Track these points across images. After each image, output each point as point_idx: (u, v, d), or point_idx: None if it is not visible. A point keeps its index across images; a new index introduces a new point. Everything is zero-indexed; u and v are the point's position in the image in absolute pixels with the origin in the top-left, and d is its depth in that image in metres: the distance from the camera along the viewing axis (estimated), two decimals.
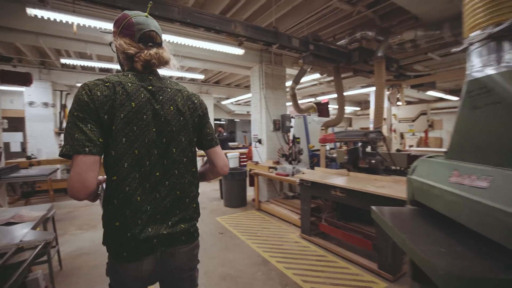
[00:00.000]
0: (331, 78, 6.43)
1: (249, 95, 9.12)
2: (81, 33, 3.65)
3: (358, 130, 4.93)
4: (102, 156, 0.90)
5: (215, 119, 9.37)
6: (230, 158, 6.97)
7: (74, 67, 6.92)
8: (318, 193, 3.25)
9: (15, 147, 7.47)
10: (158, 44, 1.05)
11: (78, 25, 3.19)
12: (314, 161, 4.96)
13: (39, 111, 6.50)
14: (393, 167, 3.40)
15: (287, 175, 4.01)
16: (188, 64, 5.48)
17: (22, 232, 1.46)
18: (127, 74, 0.97)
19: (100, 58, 7.08)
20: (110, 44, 1.08)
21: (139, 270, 0.93)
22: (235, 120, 12.29)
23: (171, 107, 1.01)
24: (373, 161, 3.19)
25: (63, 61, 4.94)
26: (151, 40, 1.01)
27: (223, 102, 10.17)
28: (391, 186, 2.58)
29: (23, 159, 5.62)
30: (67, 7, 3.18)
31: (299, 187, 3.50)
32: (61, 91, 7.27)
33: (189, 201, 1.05)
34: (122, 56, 1.02)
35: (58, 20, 3.10)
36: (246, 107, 11.02)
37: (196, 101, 1.12)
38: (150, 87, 0.98)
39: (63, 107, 7.12)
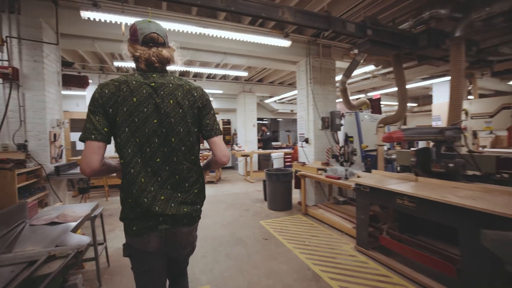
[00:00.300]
0: (388, 69, 5.73)
1: (293, 92, 8.79)
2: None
3: (430, 126, 4.23)
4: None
5: (258, 119, 9.23)
6: (275, 158, 6.70)
7: (127, 70, 7.36)
8: (378, 201, 2.78)
9: (80, 146, 8.28)
10: (160, 44, 1.16)
11: (126, 25, 3.23)
12: (368, 163, 4.40)
13: None
14: (474, 173, 2.75)
15: (339, 178, 3.58)
16: (231, 61, 5.35)
17: (61, 235, 1.37)
18: (134, 74, 1.13)
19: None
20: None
21: (146, 244, 1.10)
22: (278, 119, 11.98)
23: (171, 101, 1.12)
24: (451, 165, 2.60)
25: (116, 63, 5.20)
26: (152, 41, 1.14)
27: (266, 101, 9.96)
28: (484, 198, 2.02)
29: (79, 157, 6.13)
30: (116, 8, 3.25)
31: (355, 192, 3.06)
32: None
33: (188, 186, 1.18)
34: (132, 59, 1.17)
35: (108, 21, 3.17)
36: (289, 106, 10.64)
37: (196, 94, 1.19)
38: (153, 84, 1.11)
39: None
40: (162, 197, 1.12)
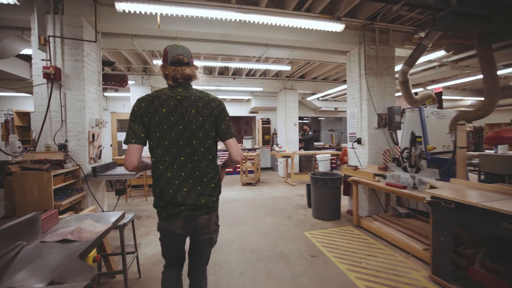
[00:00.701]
0: (461, 55, 4.77)
1: (338, 88, 8.03)
2: (166, 29, 3.55)
3: None
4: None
5: (299, 117, 8.68)
6: (320, 160, 6.11)
7: None
8: (469, 221, 2.11)
9: (125, 146, 8.63)
10: (185, 63, 1.44)
11: (161, 15, 3.02)
12: (437, 168, 3.61)
13: None
14: None
15: (405, 187, 2.92)
16: (273, 54, 4.94)
17: (66, 261, 1.07)
18: (164, 89, 1.44)
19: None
20: None
21: (173, 227, 1.41)
22: (319, 118, 11.26)
23: (193, 110, 1.40)
24: None
25: (155, 62, 5.14)
26: (178, 61, 1.43)
27: (309, 99, 9.35)
28: None
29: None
30: None
31: (429, 207, 2.41)
32: None
33: (207, 181, 1.43)
34: (163, 77, 1.46)
35: (143, 13, 2.99)
36: (333, 103, 9.87)
37: (213, 104, 1.45)
38: (178, 97, 1.40)
39: None
40: (185, 189, 1.38)
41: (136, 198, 5.80)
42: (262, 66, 5.66)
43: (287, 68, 5.70)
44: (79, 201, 3.08)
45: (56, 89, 3.13)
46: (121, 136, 8.94)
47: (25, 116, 8.30)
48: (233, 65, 5.51)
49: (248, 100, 10.07)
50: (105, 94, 8.42)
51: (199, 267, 1.58)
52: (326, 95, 9.03)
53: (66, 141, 3.13)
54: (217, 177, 1.48)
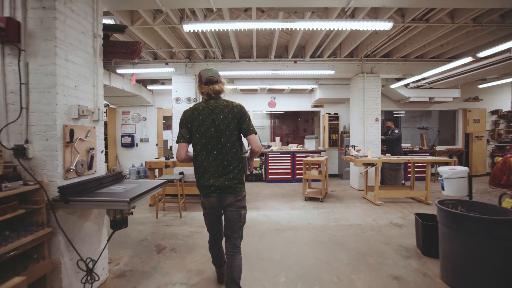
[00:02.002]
0: None
1: (440, 69, 5.44)
2: None
3: None
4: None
5: (386, 112, 6.46)
6: (450, 177, 3.42)
7: (214, 56, 6.11)
8: None
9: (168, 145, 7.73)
10: (215, 82, 1.99)
11: None
12: None
13: (184, 107, 6.06)
14: None
15: None
16: (365, 3, 3.08)
17: None
18: (200, 102, 2.01)
19: (241, 45, 6.04)
20: None
21: (209, 202, 1.96)
22: (400, 112, 8.67)
23: (221, 116, 1.92)
24: None
25: (186, 27, 3.78)
26: (210, 81, 1.98)
27: (392, 86, 7.01)
28: None
29: (162, 159, 5.15)
30: None
31: None
32: None
33: (232, 168, 1.92)
34: (200, 93, 2.06)
35: None
36: (427, 92, 7.28)
37: (236, 110, 1.96)
38: (210, 107, 1.94)
39: None
40: (217, 174, 1.90)
41: (170, 212, 4.59)
42: (347, 25, 3.78)
43: (386, 26, 3.70)
44: (40, 244, 1.81)
45: (13, 57, 1.92)
46: (167, 134, 8.08)
47: None
48: (300, 25, 3.76)
49: (311, 90, 8.22)
50: (150, 87, 7.61)
51: (232, 241, 1.98)
52: (420, 80, 6.58)
53: (27, 141, 1.90)
54: (239, 166, 1.95)
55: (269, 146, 7.89)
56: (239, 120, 1.95)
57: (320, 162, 5.30)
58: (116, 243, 3.28)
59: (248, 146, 2.07)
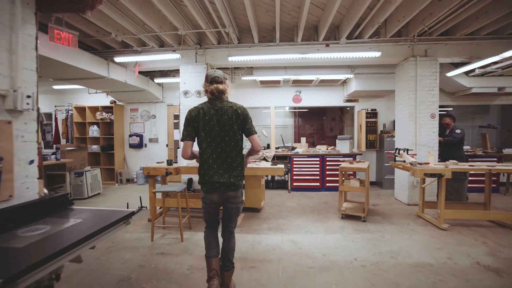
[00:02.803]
0: None
1: None
2: None
3: None
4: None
5: (441, 108, 5.08)
6: None
7: (229, 40, 5.10)
8: None
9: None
10: (219, 82, 2.14)
11: None
12: None
13: (193, 103, 5.11)
14: None
15: None
16: None
17: None
18: (205, 102, 2.14)
19: (260, 26, 4.97)
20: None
21: (212, 197, 2.09)
22: (446, 108, 7.11)
23: (225, 116, 2.06)
24: None
25: None
26: (215, 80, 2.13)
27: (449, 74, 5.61)
28: None
29: (163, 164, 4.22)
30: None
31: None
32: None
33: (235, 166, 2.10)
34: (205, 91, 2.19)
35: None
36: (497, 80, 5.79)
37: (239, 111, 2.10)
38: (216, 107, 2.08)
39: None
40: (221, 171, 2.05)
41: (172, 231, 3.63)
42: None
43: None
44: None
45: None
46: (177, 134, 7.22)
47: (83, 111, 7.46)
48: None
49: (344, 82, 6.98)
50: (158, 80, 6.77)
51: (228, 229, 2.24)
52: (489, 65, 5.14)
53: None
54: (242, 163, 2.16)
55: (293, 148, 6.76)
56: (243, 121, 2.10)
57: (362, 170, 4.10)
58: (87, 284, 2.36)
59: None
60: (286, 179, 6.48)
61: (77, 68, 4.53)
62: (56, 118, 7.43)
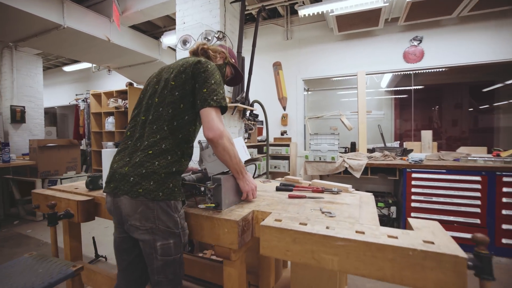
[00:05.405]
0: None
1: None
2: None
3: None
4: None
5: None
6: None
7: None
8: None
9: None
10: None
11: None
12: None
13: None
14: None
15: None
16: None
17: None
18: None
19: None
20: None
21: (107, 205, 1.17)
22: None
23: (165, 76, 1.18)
24: None
25: None
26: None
27: None
28: None
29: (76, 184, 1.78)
30: None
31: None
32: None
33: (152, 153, 1.16)
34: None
35: None
36: None
37: (186, 65, 1.13)
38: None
39: None
40: (121, 155, 1.13)
41: None
42: None
43: None
44: None
45: None
46: None
47: (100, 98, 5.90)
48: None
49: None
50: (166, 39, 4.46)
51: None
52: None
53: None
54: (173, 158, 1.17)
55: (405, 151, 3.36)
56: (192, 77, 1.13)
57: None
58: None
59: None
60: (391, 214, 3.16)
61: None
62: (76, 110, 6.12)
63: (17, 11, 2.75)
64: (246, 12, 4.16)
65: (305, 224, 0.96)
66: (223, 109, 1.10)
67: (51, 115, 9.05)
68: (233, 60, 1.42)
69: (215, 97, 1.05)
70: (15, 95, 4.97)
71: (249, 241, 1.16)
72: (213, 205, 1.17)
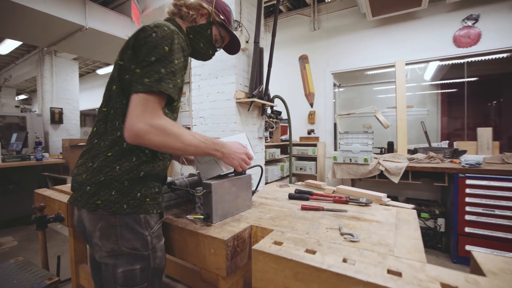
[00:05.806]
0: None
1: None
2: None
3: None
4: None
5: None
6: None
7: None
8: None
9: None
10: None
11: None
12: None
13: None
14: None
15: None
16: None
17: None
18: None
19: None
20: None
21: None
22: None
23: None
24: None
25: None
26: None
27: None
28: None
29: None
30: None
31: None
32: None
33: (105, 151, 0.97)
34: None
35: None
36: None
37: (133, 35, 0.85)
38: None
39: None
40: (80, 160, 0.92)
41: None
42: None
43: None
44: None
45: None
46: None
47: None
48: None
49: None
50: None
51: None
52: None
53: None
54: (128, 155, 0.90)
55: (456, 152, 2.83)
56: (134, 51, 0.81)
57: None
58: None
59: None
60: (438, 228, 2.67)
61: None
62: None
63: (43, 14, 2.85)
64: (268, 4, 3.91)
65: (314, 253, 0.68)
66: (168, 98, 0.77)
67: (92, 117, 9.69)
68: (222, 17, 1.01)
69: (146, 79, 0.72)
70: (54, 98, 5.31)
71: (246, 264, 0.91)
72: (202, 216, 0.94)
